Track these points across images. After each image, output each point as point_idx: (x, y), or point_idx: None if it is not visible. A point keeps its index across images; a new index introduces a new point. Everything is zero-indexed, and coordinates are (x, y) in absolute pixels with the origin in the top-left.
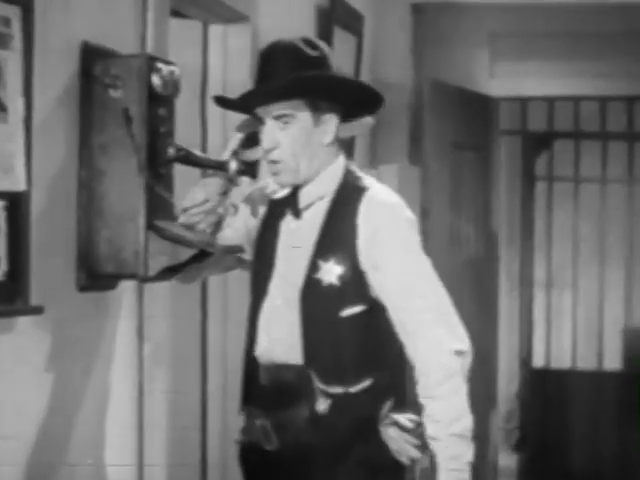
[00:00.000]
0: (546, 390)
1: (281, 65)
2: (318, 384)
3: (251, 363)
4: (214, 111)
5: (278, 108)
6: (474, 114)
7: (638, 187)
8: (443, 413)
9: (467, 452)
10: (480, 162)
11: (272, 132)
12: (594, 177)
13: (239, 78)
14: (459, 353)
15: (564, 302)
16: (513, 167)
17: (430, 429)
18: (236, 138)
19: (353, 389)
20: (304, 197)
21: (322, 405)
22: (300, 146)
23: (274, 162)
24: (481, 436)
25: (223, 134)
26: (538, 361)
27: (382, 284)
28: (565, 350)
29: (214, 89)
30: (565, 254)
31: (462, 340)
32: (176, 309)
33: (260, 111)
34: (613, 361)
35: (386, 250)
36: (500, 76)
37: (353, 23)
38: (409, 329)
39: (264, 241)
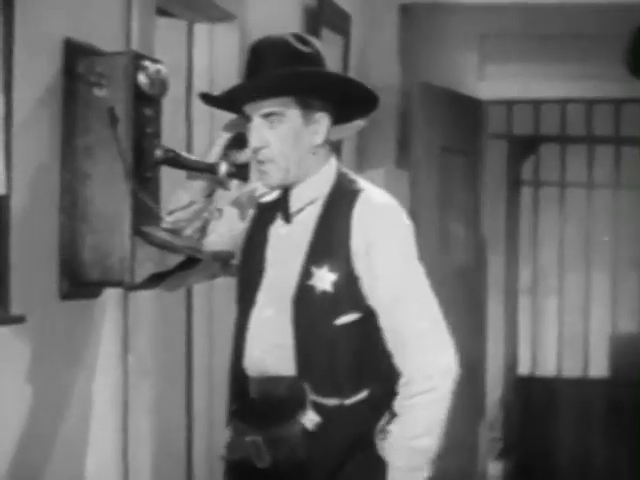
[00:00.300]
0: (531, 398)
1: (271, 60)
2: (312, 396)
3: (239, 376)
4: (200, 112)
5: (267, 105)
6: (463, 117)
7: (625, 192)
8: (409, 424)
9: (420, 472)
10: (469, 166)
11: (260, 130)
12: (580, 182)
13: (226, 78)
14: (446, 370)
15: (550, 308)
16: (499, 171)
17: (390, 437)
18: (223, 138)
19: (349, 401)
20: (295, 201)
21: (314, 418)
22: (290, 146)
23: (262, 162)
24: (470, 445)
25: (209, 136)
26: (524, 368)
27: (375, 290)
28: (551, 357)
29: (200, 90)
30: (551, 260)
31: (450, 357)
32: (160, 318)
33: (248, 108)
34: (599, 368)
35: (381, 255)
36: (489, 78)
37: (341, 23)
38: (399, 338)
39: (252, 247)
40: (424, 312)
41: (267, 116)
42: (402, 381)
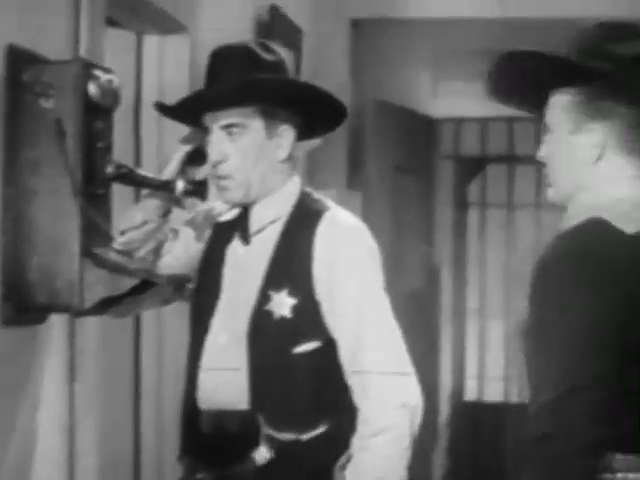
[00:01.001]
0: (478, 424)
1: (232, 68)
2: (266, 430)
3: (191, 409)
4: (149, 126)
5: (227, 116)
6: (417, 135)
7: None
8: (368, 467)
9: None
10: (422, 186)
11: (220, 143)
12: (528, 203)
13: (176, 91)
14: (408, 407)
15: (496, 332)
16: (447, 192)
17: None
18: (180, 153)
19: (305, 436)
20: (255, 220)
21: (266, 455)
22: (251, 160)
23: (221, 177)
24: (424, 474)
25: (158, 151)
26: (471, 394)
27: (335, 316)
28: (498, 382)
29: (149, 103)
30: (498, 283)
31: (413, 392)
32: (108, 345)
33: (207, 119)
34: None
35: (343, 278)
36: (441, 96)
37: (292, 38)
38: (358, 368)
39: (208, 268)
40: (384, 343)
41: (227, 127)
42: (359, 418)
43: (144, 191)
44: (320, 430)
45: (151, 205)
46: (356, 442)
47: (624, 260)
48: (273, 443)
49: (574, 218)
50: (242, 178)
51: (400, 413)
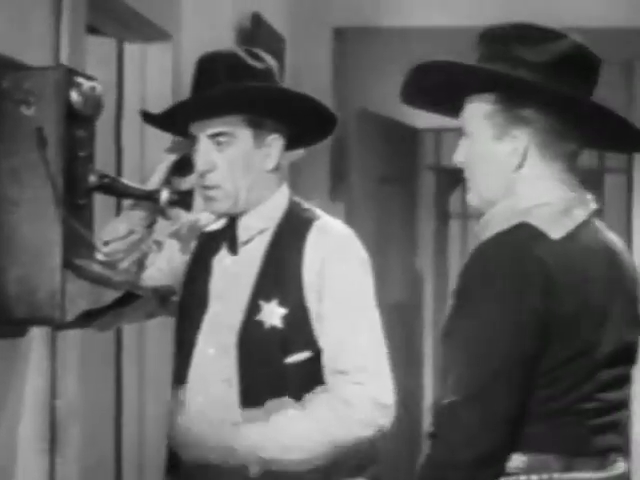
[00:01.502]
0: None
1: (219, 75)
2: None
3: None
4: (131, 135)
5: (214, 125)
6: (401, 146)
7: None
8: (297, 432)
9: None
10: (406, 198)
11: (207, 152)
12: None
13: (158, 100)
14: (379, 406)
15: None
16: (429, 203)
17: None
18: (166, 163)
19: None
20: (244, 231)
21: (255, 468)
22: (239, 170)
23: (208, 187)
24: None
25: (140, 161)
26: None
27: (322, 318)
28: None
29: (130, 112)
30: None
31: (384, 397)
32: (89, 359)
33: (194, 128)
34: None
35: (332, 283)
36: None
37: (275, 47)
38: (336, 369)
39: (194, 280)
40: (367, 349)
41: (214, 136)
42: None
43: (127, 201)
44: None
45: (136, 216)
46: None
47: (553, 265)
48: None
49: (500, 223)
50: (230, 188)
51: (371, 403)
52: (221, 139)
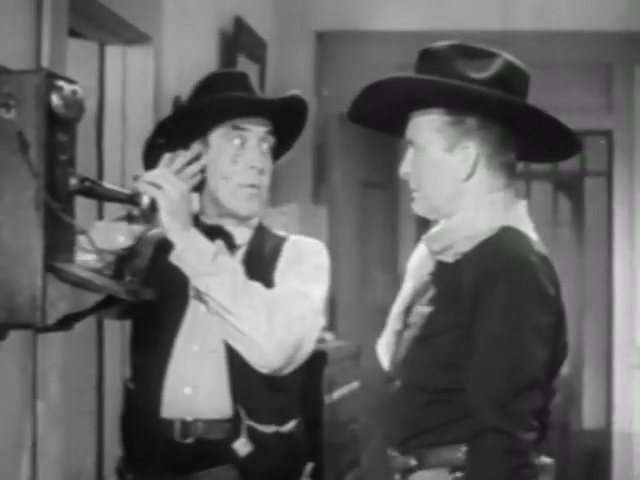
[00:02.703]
0: None
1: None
2: (248, 422)
3: (149, 420)
4: (111, 138)
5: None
6: (382, 149)
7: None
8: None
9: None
10: (389, 201)
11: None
12: None
13: (140, 103)
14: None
15: None
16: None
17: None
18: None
19: (286, 427)
20: (239, 233)
21: (247, 446)
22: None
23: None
24: None
25: (121, 164)
26: None
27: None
28: None
29: (111, 115)
30: None
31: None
32: (70, 361)
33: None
34: None
35: (289, 264)
36: None
37: (257, 51)
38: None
39: (172, 278)
40: (306, 288)
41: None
42: None
43: (109, 205)
44: (293, 423)
45: (135, 230)
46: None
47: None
48: (254, 435)
49: (481, 228)
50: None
51: (300, 298)
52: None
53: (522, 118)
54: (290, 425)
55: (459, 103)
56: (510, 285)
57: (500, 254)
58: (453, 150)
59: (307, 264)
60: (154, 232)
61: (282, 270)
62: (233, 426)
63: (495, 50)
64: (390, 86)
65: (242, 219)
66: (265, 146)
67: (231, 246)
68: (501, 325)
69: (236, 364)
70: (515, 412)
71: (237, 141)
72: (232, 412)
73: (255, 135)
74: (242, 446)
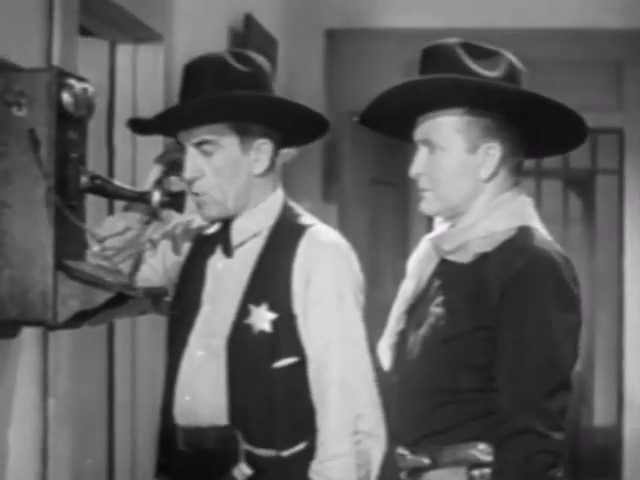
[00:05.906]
0: None
1: (204, 82)
2: (245, 446)
3: (168, 426)
4: (122, 136)
5: (199, 133)
6: (393, 147)
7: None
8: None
9: None
10: (399, 199)
11: (194, 160)
12: None
13: (150, 101)
14: (361, 434)
15: None
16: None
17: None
18: (156, 168)
19: (286, 453)
20: (237, 234)
21: (246, 471)
22: (227, 177)
23: (197, 194)
24: None
25: (132, 162)
26: None
27: (307, 333)
28: None
29: (122, 113)
30: None
31: (372, 419)
32: (81, 359)
33: (180, 136)
34: None
35: (318, 293)
36: None
37: (267, 48)
38: (320, 390)
39: (187, 281)
40: (351, 366)
41: (200, 144)
42: (318, 440)
43: (120, 203)
44: (300, 447)
45: (132, 215)
46: (313, 466)
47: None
48: (252, 459)
49: (498, 228)
50: (217, 195)
51: (354, 440)
52: (206, 147)
53: (549, 115)
54: (294, 449)
55: (486, 102)
56: (538, 285)
57: (525, 254)
58: (476, 151)
59: (331, 299)
60: (193, 224)
61: (303, 300)
62: (231, 451)
63: (495, 48)
64: (413, 88)
65: (214, 220)
66: (202, 151)
67: (227, 250)
68: (531, 326)
69: (236, 375)
70: (548, 413)
71: (184, 153)
72: (228, 422)
73: (189, 146)
74: (241, 472)
